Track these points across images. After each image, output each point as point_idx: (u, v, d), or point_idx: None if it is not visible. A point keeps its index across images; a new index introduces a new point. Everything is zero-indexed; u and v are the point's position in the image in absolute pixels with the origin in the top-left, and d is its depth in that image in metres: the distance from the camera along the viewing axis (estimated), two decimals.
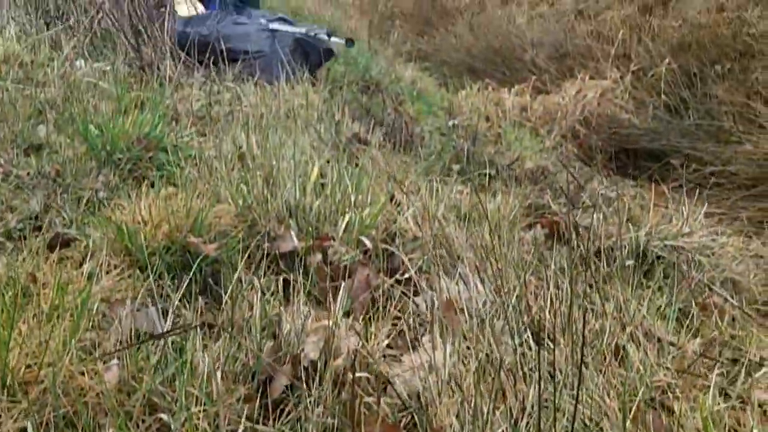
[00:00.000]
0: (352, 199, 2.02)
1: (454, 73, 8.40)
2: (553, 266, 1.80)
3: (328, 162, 2.39)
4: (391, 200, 2.17)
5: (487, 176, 3.23)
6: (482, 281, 1.67)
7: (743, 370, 1.59)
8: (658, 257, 2.28)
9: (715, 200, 4.43)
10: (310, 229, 1.87)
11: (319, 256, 1.77)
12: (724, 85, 5.55)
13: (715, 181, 4.61)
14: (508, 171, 3.76)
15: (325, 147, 2.61)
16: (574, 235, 2.25)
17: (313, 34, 4.66)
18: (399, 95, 5.66)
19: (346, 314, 1.60)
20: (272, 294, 1.66)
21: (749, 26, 5.85)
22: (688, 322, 1.88)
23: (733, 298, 2.19)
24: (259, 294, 1.52)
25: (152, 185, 2.25)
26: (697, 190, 4.68)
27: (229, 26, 4.45)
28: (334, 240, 1.83)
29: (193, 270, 1.59)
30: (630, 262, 2.11)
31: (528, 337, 1.49)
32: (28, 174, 2.26)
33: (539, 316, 1.55)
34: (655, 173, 5.13)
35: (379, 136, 3.45)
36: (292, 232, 1.83)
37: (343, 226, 1.88)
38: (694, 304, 2.03)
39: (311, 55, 4.68)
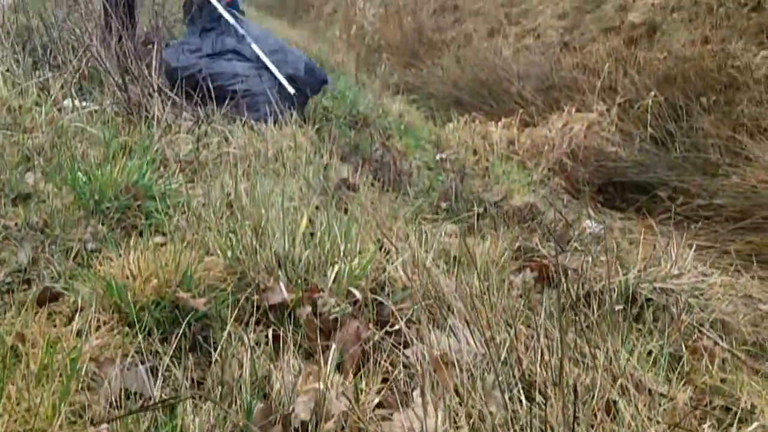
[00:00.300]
0: (342, 248, 2.02)
1: (441, 105, 8.45)
2: (543, 314, 1.80)
3: (317, 208, 2.40)
4: (380, 248, 2.17)
5: (476, 215, 3.24)
6: (472, 333, 1.66)
7: (735, 420, 1.59)
8: (648, 300, 2.28)
9: (703, 233, 4.45)
10: (300, 280, 1.87)
11: (308, 309, 1.76)
12: (710, 117, 5.60)
13: (702, 214, 4.65)
14: (496, 209, 3.77)
15: (313, 193, 2.61)
16: (563, 279, 2.26)
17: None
18: (386, 129, 5.69)
19: (337, 367, 1.60)
20: (262, 348, 1.65)
21: (734, 59, 5.92)
22: (678, 367, 1.89)
23: (722, 340, 2.19)
24: (249, 353, 1.51)
25: (141, 234, 2.25)
26: (685, 223, 4.72)
27: (219, 63, 4.45)
28: (323, 291, 1.83)
29: (182, 327, 1.59)
30: (619, 307, 2.11)
31: (519, 390, 1.49)
32: (16, 224, 2.25)
33: (530, 369, 1.55)
34: (643, 205, 5.16)
35: (369, 178, 3.46)
36: (281, 284, 1.82)
37: (333, 276, 1.88)
38: (684, 348, 2.04)
39: (302, 89, 4.70)
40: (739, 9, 6.53)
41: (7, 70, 3.86)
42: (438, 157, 5.59)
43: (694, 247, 2.95)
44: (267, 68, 4.47)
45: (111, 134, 3.02)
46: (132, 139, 3.09)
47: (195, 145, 3.07)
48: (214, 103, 4.02)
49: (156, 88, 3.84)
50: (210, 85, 3.99)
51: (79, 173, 2.48)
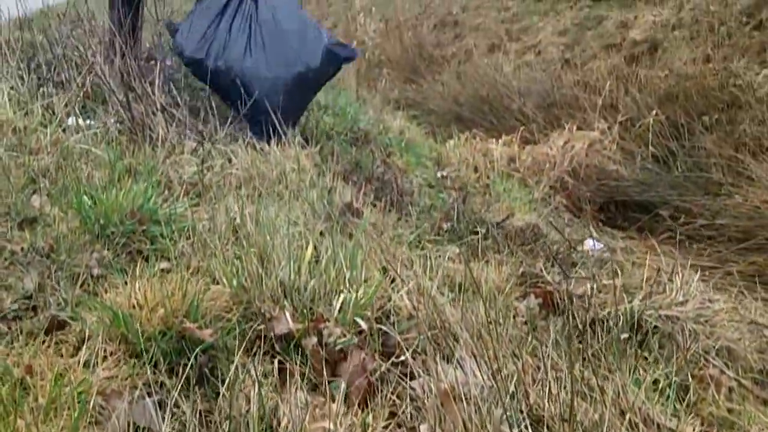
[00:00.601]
0: (347, 276, 2.02)
1: (441, 121, 8.47)
2: (549, 345, 1.80)
3: (321, 234, 2.40)
4: (385, 275, 2.17)
5: (479, 237, 3.24)
6: (479, 365, 1.66)
7: None
8: (653, 327, 2.28)
9: (705, 254, 4.46)
10: (305, 310, 1.87)
11: (314, 339, 1.76)
12: (711, 136, 5.62)
13: (705, 234, 4.65)
14: (499, 229, 3.77)
15: (318, 218, 2.61)
16: (568, 306, 2.26)
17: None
18: (387, 146, 5.69)
19: (344, 399, 1.59)
20: (268, 379, 1.65)
21: (736, 77, 5.95)
22: (686, 397, 1.89)
23: (729, 368, 2.19)
24: (256, 386, 1.51)
25: (146, 260, 2.25)
26: (687, 243, 4.72)
27: (242, 60, 4.14)
28: (328, 321, 1.83)
29: (190, 361, 1.59)
30: (626, 336, 2.12)
31: (527, 426, 1.48)
32: (22, 249, 2.26)
33: (537, 404, 1.55)
34: (645, 225, 5.16)
35: (371, 199, 3.46)
36: (287, 314, 1.82)
37: (338, 306, 1.88)
38: (690, 377, 2.03)
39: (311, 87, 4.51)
40: (741, 27, 6.57)
41: (12, 88, 3.87)
42: (439, 174, 5.60)
43: (698, 269, 2.96)
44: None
45: (116, 156, 3.02)
46: (136, 161, 3.09)
47: (199, 167, 3.07)
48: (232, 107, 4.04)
49: (159, 106, 3.84)
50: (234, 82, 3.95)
51: (85, 197, 2.48)
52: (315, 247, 2.15)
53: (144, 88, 3.95)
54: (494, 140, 6.71)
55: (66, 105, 3.76)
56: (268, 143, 3.72)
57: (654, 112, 6.11)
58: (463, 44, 10.50)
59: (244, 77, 4.04)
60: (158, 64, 4.39)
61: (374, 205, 3.42)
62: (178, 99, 4.04)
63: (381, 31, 11.62)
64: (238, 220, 2.42)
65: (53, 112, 3.63)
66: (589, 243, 4.43)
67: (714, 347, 2.29)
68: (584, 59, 8.05)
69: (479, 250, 2.85)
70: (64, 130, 3.36)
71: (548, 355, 1.73)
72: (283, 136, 3.77)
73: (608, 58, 7.74)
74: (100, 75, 4.11)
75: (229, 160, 3.35)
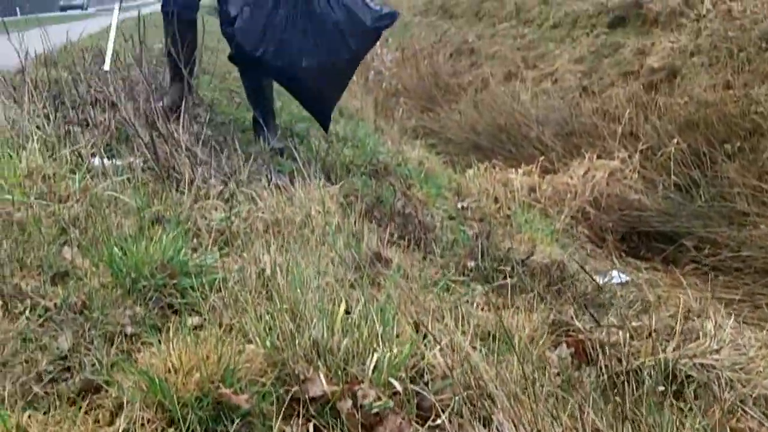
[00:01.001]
0: (379, 332, 2.01)
1: (459, 150, 8.50)
2: (588, 404, 1.78)
3: (351, 286, 2.40)
4: (416, 330, 2.17)
5: (504, 275, 3.25)
6: (517, 428, 1.65)
7: None
8: (688, 377, 2.26)
9: (732, 285, 4.42)
10: (339, 371, 1.87)
11: (349, 402, 1.76)
12: (734, 165, 5.59)
13: (731, 266, 4.62)
14: (524, 267, 3.76)
15: (346, 267, 2.62)
16: (601, 356, 2.25)
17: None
18: (407, 178, 5.70)
19: None
20: None
21: (757, 104, 5.92)
22: None
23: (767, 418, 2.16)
24: None
25: (177, 314, 2.26)
26: (713, 274, 4.68)
27: (299, 58, 4.21)
28: (362, 383, 1.82)
29: (228, 428, 1.59)
30: (661, 388, 2.10)
31: None
32: (56, 305, 2.27)
33: None
34: (669, 256, 5.14)
35: (395, 238, 3.47)
36: (321, 375, 1.82)
37: (372, 366, 1.87)
38: (728, 430, 2.01)
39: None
40: (761, 53, 6.55)
41: (38, 127, 3.92)
42: (459, 205, 5.59)
43: (726, 303, 2.93)
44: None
45: (143, 203, 3.05)
46: (164, 206, 3.11)
47: (227, 214, 3.09)
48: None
49: (184, 147, 3.86)
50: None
51: (115, 248, 2.49)
52: (346, 302, 2.15)
53: (168, 129, 3.99)
54: (514, 170, 6.72)
55: (92, 146, 3.79)
56: (292, 183, 3.73)
57: (675, 140, 6.10)
58: (480, 72, 10.54)
59: (303, 73, 4.22)
60: (183, 103, 4.40)
61: (398, 245, 3.43)
62: (202, 135, 4.07)
63: (397, 60, 11.71)
64: (267, 272, 2.42)
65: (80, 155, 3.67)
66: (614, 275, 4.41)
67: (751, 396, 2.26)
68: (602, 87, 8.06)
69: (508, 293, 2.84)
70: (92, 176, 3.39)
71: (587, 415, 1.71)
72: (309, 179, 3.79)
73: (626, 85, 7.74)
74: (125, 116, 4.16)
75: (254, 202, 3.37)
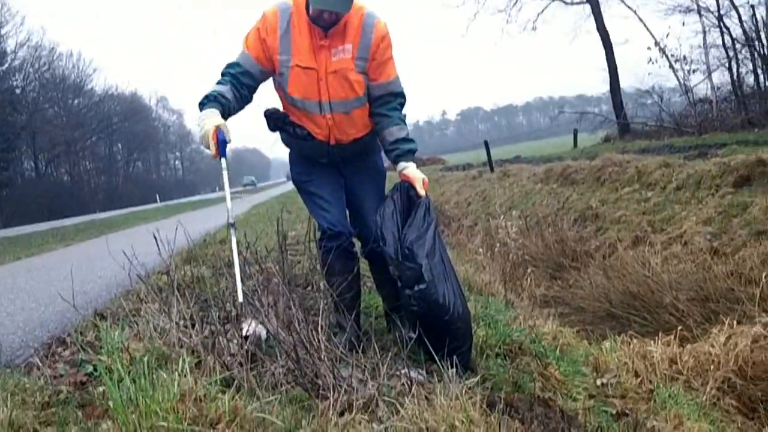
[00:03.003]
0: None
1: (593, 318, 8.41)
2: None
3: None
4: None
5: None
6: None
7: None
8: None
9: None
10: None
11: None
12: None
13: None
14: None
15: None
16: None
17: None
18: (542, 356, 5.71)
19: None
20: None
21: None
22: None
23: None
24: None
25: None
26: None
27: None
28: None
29: None
30: None
31: None
32: None
33: None
34: None
35: None
36: None
37: None
38: None
39: None
40: None
41: (185, 326, 4.10)
42: (599, 382, 5.54)
43: None
44: None
45: (292, 425, 3.15)
46: (310, 427, 3.20)
47: None
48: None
49: (325, 355, 3.88)
50: None
51: None
52: None
53: (309, 334, 4.01)
54: (651, 341, 6.61)
55: (233, 355, 3.89)
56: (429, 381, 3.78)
57: None
58: (606, 237, 10.57)
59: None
60: (321, 306, 4.45)
61: None
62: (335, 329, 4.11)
63: (521, 229, 11.91)
64: None
65: (224, 365, 3.79)
66: None
67: None
68: (734, 248, 7.91)
69: None
70: (240, 396, 3.47)
71: None
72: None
73: (759, 245, 7.58)
74: (265, 321, 4.21)
75: (396, 411, 3.43)
